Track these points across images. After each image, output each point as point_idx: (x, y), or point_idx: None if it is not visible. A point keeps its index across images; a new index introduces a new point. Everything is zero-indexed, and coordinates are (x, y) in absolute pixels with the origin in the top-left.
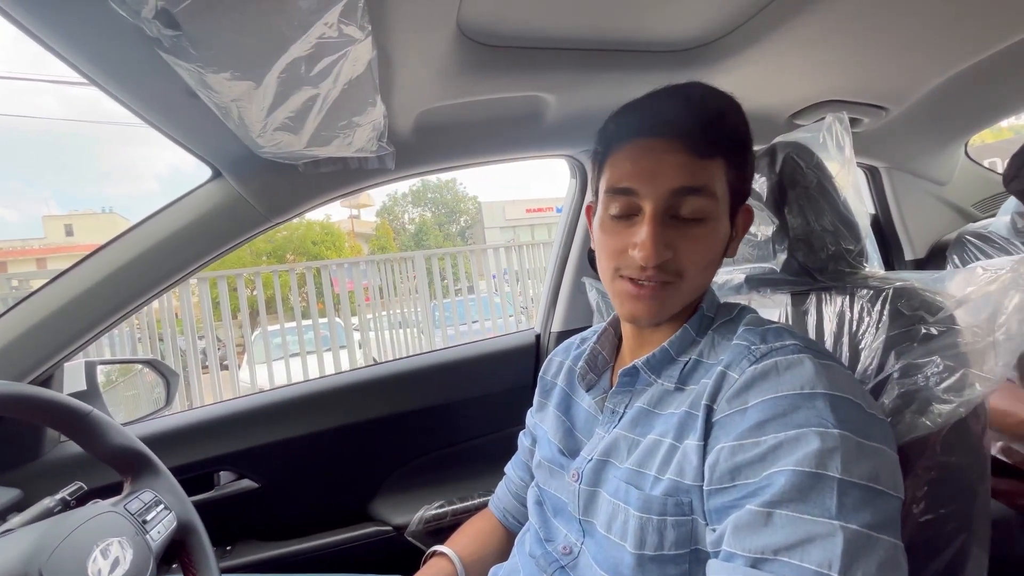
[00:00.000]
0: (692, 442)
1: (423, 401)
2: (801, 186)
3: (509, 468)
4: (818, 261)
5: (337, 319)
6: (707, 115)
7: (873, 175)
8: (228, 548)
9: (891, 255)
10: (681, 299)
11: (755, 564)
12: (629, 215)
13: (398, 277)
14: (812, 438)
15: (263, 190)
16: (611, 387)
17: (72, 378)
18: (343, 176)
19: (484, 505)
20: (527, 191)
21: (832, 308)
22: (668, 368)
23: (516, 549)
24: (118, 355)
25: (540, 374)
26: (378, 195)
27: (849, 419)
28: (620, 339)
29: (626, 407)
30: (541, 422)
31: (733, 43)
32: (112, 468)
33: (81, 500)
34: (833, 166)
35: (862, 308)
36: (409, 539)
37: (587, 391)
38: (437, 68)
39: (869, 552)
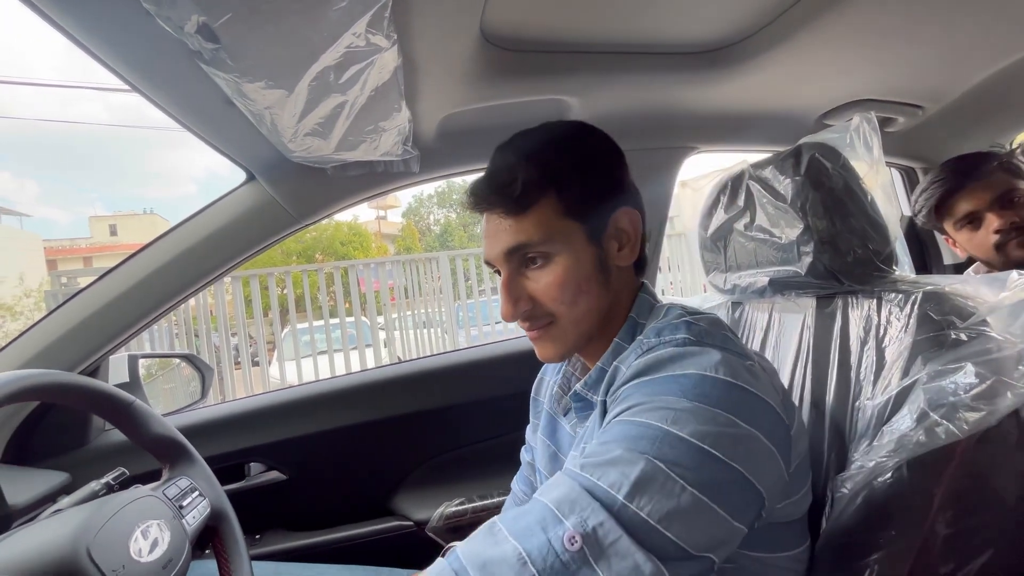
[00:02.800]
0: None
1: (446, 399)
2: (826, 188)
3: (515, 484)
4: (844, 264)
5: (363, 318)
6: (506, 174)
7: (909, 176)
8: (257, 536)
9: (928, 259)
10: (571, 331)
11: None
12: (501, 275)
13: (423, 277)
14: (656, 401)
15: (294, 193)
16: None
17: (116, 370)
18: (369, 179)
19: (503, 504)
20: None
21: (859, 312)
22: (600, 386)
23: None
24: (157, 350)
25: (532, 393)
26: (404, 196)
27: (711, 395)
28: None
29: (581, 427)
30: (535, 443)
31: (760, 43)
32: (152, 455)
33: (124, 484)
34: (861, 167)
35: (890, 312)
36: (429, 534)
37: (564, 415)
38: (461, 73)
39: (668, 491)
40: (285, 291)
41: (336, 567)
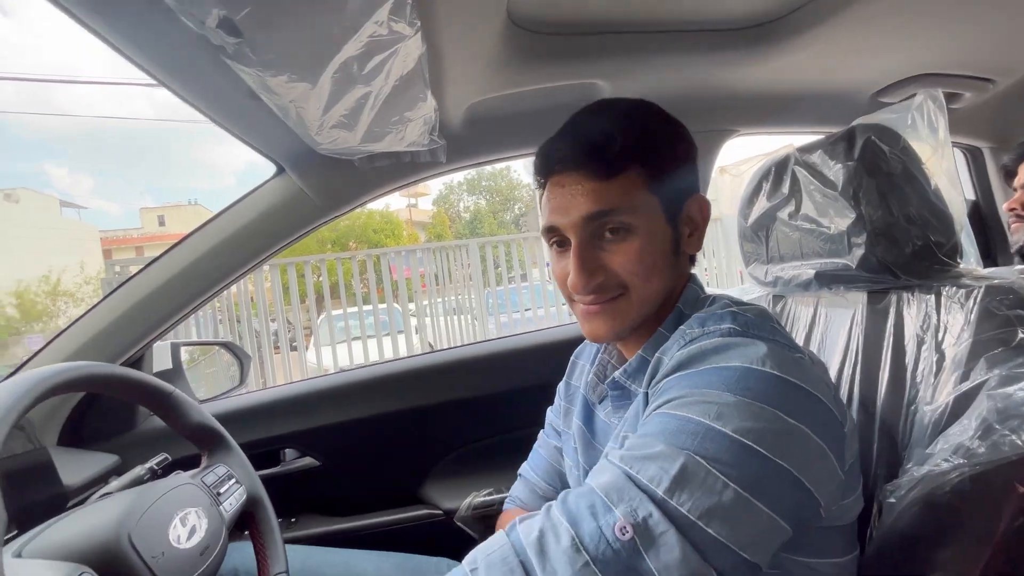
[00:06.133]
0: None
1: (476, 390)
2: (883, 173)
3: (529, 471)
4: (901, 256)
5: (395, 305)
6: (600, 136)
7: (974, 156)
8: (293, 520)
9: (994, 248)
10: (636, 309)
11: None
12: (563, 245)
13: (453, 264)
14: (698, 394)
15: (323, 185)
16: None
17: (160, 357)
18: (397, 169)
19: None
20: None
21: (915, 309)
22: (643, 375)
23: None
24: (203, 335)
25: (565, 377)
26: (434, 184)
27: (756, 389)
28: None
29: (621, 419)
30: (568, 429)
31: (808, 15)
32: (191, 443)
33: (166, 469)
34: (924, 149)
35: (949, 309)
36: (458, 524)
37: (599, 403)
38: (487, 60)
39: (709, 487)
40: (320, 278)
41: (367, 552)
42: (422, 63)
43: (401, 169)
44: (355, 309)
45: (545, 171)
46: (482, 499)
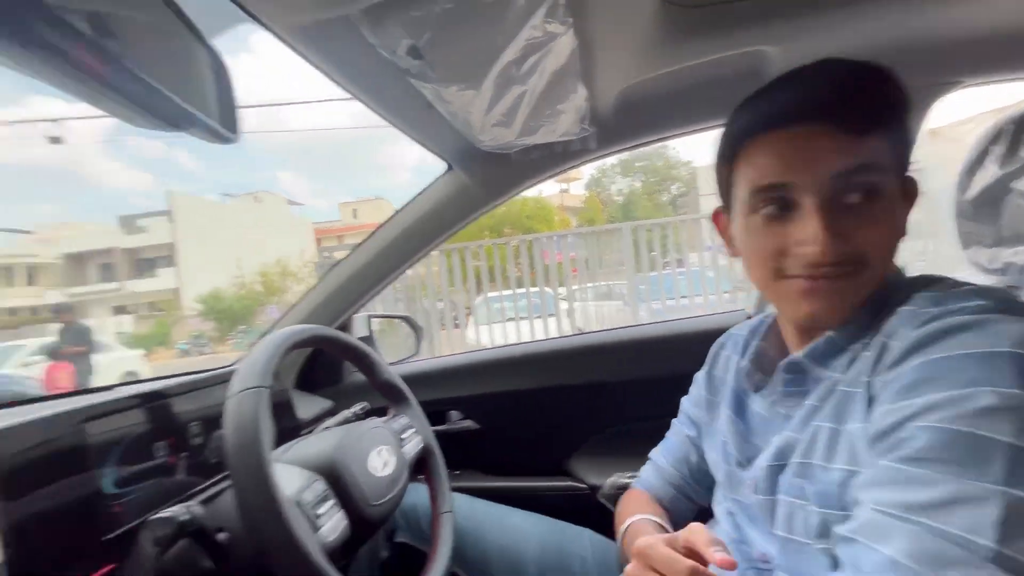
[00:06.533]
0: (857, 425)
1: (627, 373)
2: None
3: (659, 456)
4: None
5: (547, 289)
6: (856, 88)
7: None
8: (456, 472)
9: None
10: (865, 288)
11: (881, 517)
12: (783, 212)
13: (604, 249)
14: (981, 396)
15: (484, 177)
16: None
17: (359, 326)
18: (550, 159)
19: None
20: None
21: None
22: (838, 358)
23: None
24: (388, 311)
25: (707, 368)
26: (587, 168)
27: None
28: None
29: (790, 408)
30: (712, 422)
31: None
32: (382, 395)
33: (367, 415)
34: None
35: None
36: (601, 500)
37: (755, 392)
38: (639, 43)
39: None
40: (479, 263)
41: (520, 511)
42: (574, 57)
43: (554, 158)
44: (510, 292)
45: (768, 123)
46: (626, 480)
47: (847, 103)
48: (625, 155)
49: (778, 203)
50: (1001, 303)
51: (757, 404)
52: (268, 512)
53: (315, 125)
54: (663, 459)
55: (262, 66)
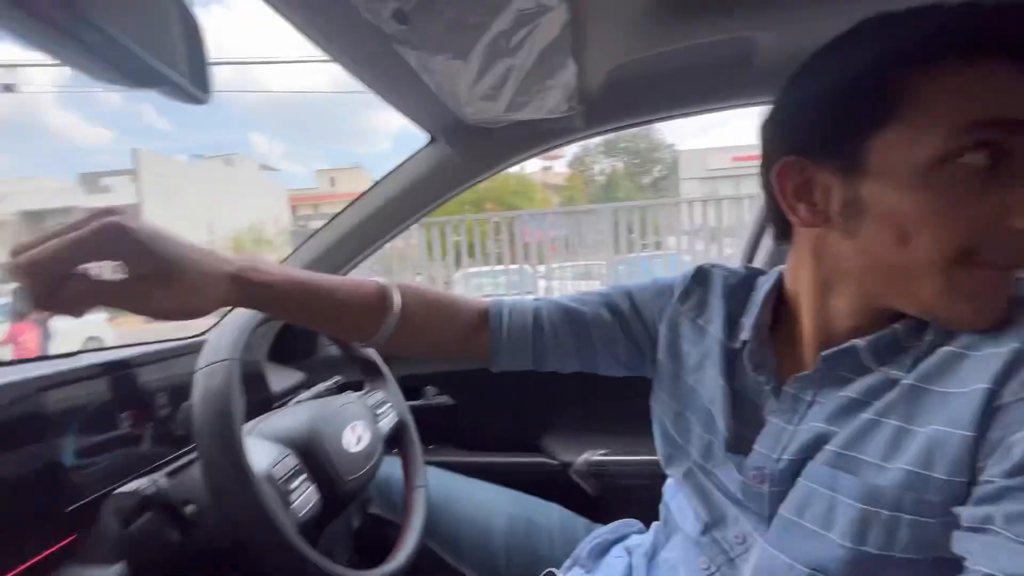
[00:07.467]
0: (952, 430)
1: None
2: None
3: (551, 304)
4: None
5: (526, 266)
6: None
7: None
8: (430, 447)
9: None
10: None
11: None
12: (1000, 159)
13: (585, 229)
14: None
15: (469, 152)
16: (776, 365)
17: None
18: (536, 136)
19: (648, 464)
20: (737, 136)
21: None
22: (898, 355)
23: (664, 526)
24: None
25: (676, 300)
26: (570, 147)
27: None
28: (779, 305)
29: (815, 395)
30: (685, 375)
31: None
32: (358, 369)
33: (340, 389)
34: None
35: None
36: (572, 476)
37: (753, 370)
38: (631, 21)
39: None
40: (459, 238)
41: (490, 485)
42: (566, 32)
43: (541, 135)
44: (489, 268)
45: (991, 46)
46: (597, 457)
47: None
48: (611, 135)
49: (994, 151)
50: None
51: (748, 376)
52: (239, 487)
53: (292, 87)
54: (550, 307)
55: (236, 20)
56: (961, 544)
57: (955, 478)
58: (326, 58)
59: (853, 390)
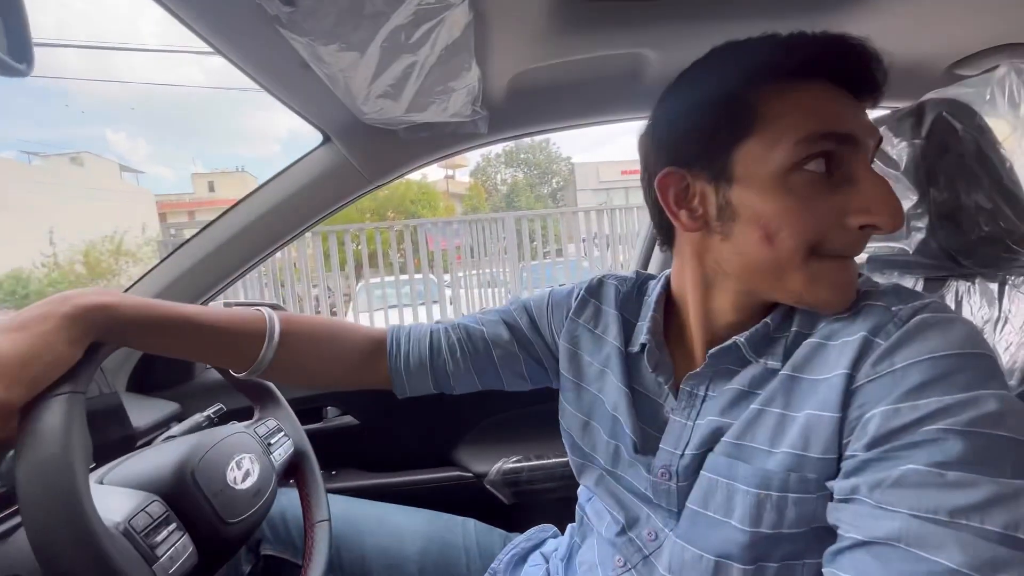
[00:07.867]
0: (821, 413)
1: None
2: (954, 153)
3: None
4: (965, 243)
5: (431, 275)
6: (878, 63)
7: None
8: (334, 472)
9: None
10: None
11: (922, 523)
12: (837, 166)
13: (489, 237)
14: (986, 401)
15: (367, 154)
16: (670, 363)
17: None
18: (439, 140)
19: (560, 466)
20: (624, 152)
21: (976, 299)
22: (771, 346)
23: (580, 527)
24: (250, 298)
25: (574, 315)
26: (473, 156)
27: (1001, 380)
28: (668, 306)
29: (707, 390)
30: (587, 385)
31: None
32: (244, 396)
33: (222, 419)
34: (1001, 127)
35: (1013, 299)
36: (487, 486)
37: (653, 371)
38: (534, 29)
39: None
40: (360, 247)
41: (400, 507)
42: (469, 32)
43: (443, 139)
44: (392, 278)
45: (825, 70)
46: (511, 465)
47: (881, 76)
48: (510, 146)
49: (829, 160)
50: (933, 301)
51: (646, 379)
52: (78, 548)
53: (159, 79)
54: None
55: None
56: (833, 514)
57: (827, 455)
58: (203, 46)
59: (739, 382)
